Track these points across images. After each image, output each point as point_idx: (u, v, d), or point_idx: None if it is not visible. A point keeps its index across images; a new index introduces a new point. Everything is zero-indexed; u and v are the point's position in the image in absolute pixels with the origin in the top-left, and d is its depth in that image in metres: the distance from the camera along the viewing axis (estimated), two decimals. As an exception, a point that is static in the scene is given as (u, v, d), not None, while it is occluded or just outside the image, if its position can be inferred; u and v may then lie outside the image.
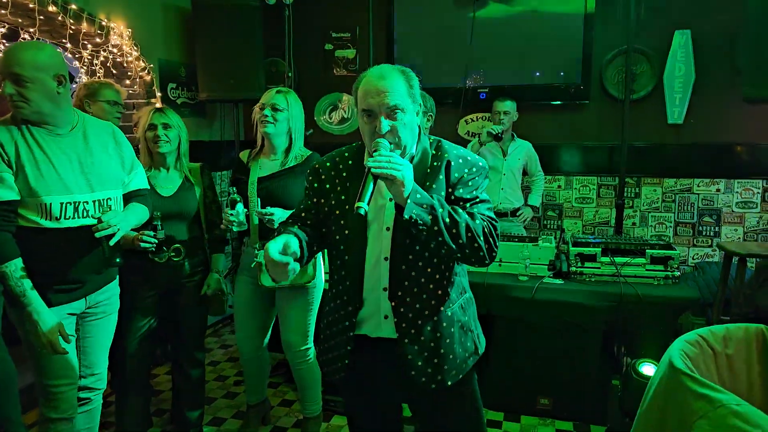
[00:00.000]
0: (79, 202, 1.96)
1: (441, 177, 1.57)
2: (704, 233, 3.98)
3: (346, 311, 1.64)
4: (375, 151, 1.46)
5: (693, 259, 4.00)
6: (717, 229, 3.94)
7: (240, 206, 2.41)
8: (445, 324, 1.60)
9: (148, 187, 2.32)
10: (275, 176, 2.52)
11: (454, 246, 1.46)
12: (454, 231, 1.45)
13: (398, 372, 1.60)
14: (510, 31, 3.99)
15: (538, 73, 4.02)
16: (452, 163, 1.58)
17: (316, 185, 1.66)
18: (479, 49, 3.99)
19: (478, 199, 1.58)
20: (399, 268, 1.55)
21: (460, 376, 1.63)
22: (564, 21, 3.87)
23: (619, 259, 2.90)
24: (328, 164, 1.67)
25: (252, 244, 2.54)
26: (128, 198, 2.18)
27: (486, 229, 1.51)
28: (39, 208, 1.88)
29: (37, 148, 1.90)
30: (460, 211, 1.49)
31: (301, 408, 2.77)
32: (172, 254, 2.49)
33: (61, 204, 1.91)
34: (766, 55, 3.01)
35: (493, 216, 1.58)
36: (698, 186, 3.94)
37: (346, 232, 1.59)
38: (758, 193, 3.83)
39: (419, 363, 1.58)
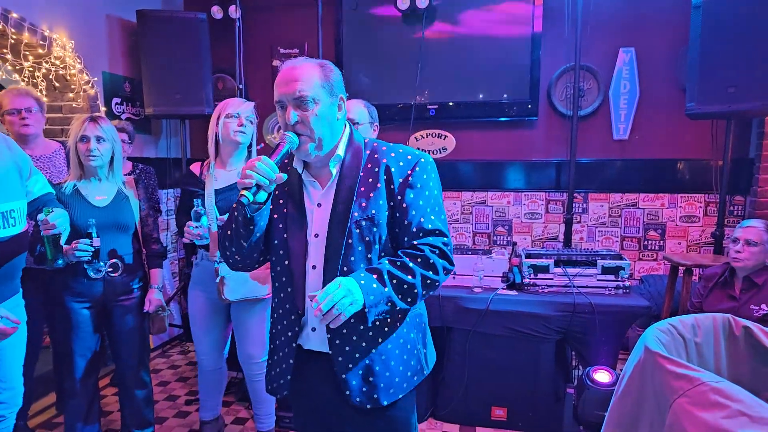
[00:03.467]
0: None
1: (380, 185, 1.47)
2: (650, 247, 4.08)
3: (288, 321, 1.56)
4: (276, 149, 1.42)
5: (639, 272, 4.09)
6: (662, 242, 4.05)
7: (204, 219, 2.40)
8: (381, 341, 1.51)
9: (54, 191, 2.25)
10: (233, 188, 2.49)
11: (418, 301, 1.46)
12: (410, 297, 1.42)
13: (334, 389, 1.53)
14: (458, 49, 4.06)
15: (485, 91, 4.08)
16: (392, 168, 1.49)
17: None
18: (428, 67, 4.04)
19: (429, 209, 1.48)
20: (330, 278, 1.44)
21: (399, 396, 1.54)
22: (512, 39, 3.97)
23: (571, 270, 2.95)
24: None
25: (211, 257, 2.51)
26: (37, 204, 2.10)
27: (439, 266, 1.44)
28: None
29: None
30: (410, 265, 1.41)
31: (255, 423, 2.75)
32: (110, 270, 2.40)
33: None
34: (709, 73, 3.15)
35: (443, 230, 1.48)
36: (644, 201, 4.05)
37: (285, 236, 1.53)
38: (701, 207, 3.97)
39: (353, 382, 1.50)
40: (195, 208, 2.40)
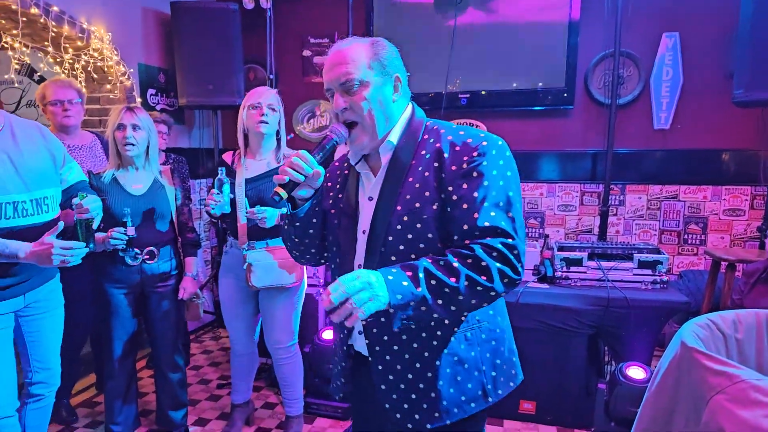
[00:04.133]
0: (18, 202, 1.92)
1: (429, 174, 1.27)
2: (690, 241, 3.93)
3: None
4: (321, 142, 1.32)
5: (678, 267, 3.95)
6: (703, 236, 3.90)
7: (227, 188, 2.40)
8: (428, 355, 1.30)
9: (86, 179, 2.31)
10: (263, 177, 2.51)
11: (465, 310, 1.23)
12: (454, 305, 1.18)
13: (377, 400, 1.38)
14: (492, 36, 3.96)
15: (519, 79, 3.98)
16: (445, 154, 1.27)
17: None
18: (460, 55, 3.96)
19: (488, 203, 1.21)
20: (374, 266, 1.30)
21: (446, 422, 1.31)
22: (547, 26, 3.85)
23: (606, 263, 2.86)
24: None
25: (240, 245, 2.52)
26: (71, 192, 2.15)
27: (494, 271, 1.16)
28: None
29: None
30: (455, 265, 1.16)
31: (284, 408, 2.79)
32: (146, 257, 2.48)
33: (2, 204, 1.87)
34: (760, 58, 3.00)
35: (506, 229, 1.20)
36: (685, 193, 3.90)
37: (338, 232, 1.42)
38: (746, 199, 3.80)
39: (393, 395, 1.33)
40: (219, 176, 2.40)
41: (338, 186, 1.46)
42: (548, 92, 3.90)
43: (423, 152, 1.31)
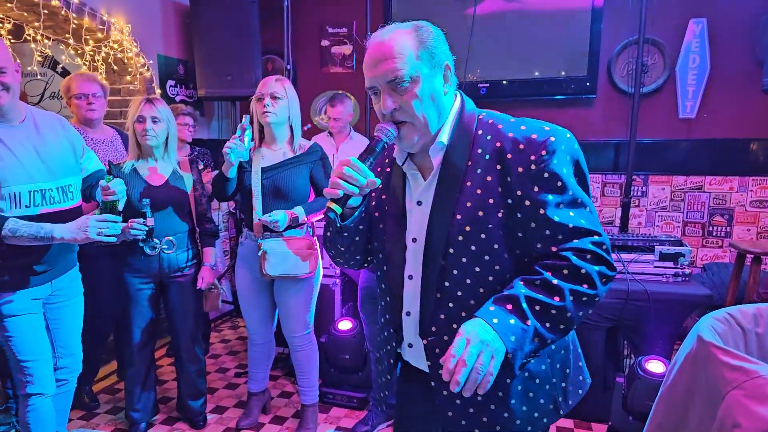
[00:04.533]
0: (45, 190, 2.02)
1: (492, 178, 1.15)
2: (714, 233, 3.83)
3: (389, 332, 1.38)
4: (369, 146, 1.19)
5: (702, 260, 3.86)
6: (729, 228, 3.80)
7: (249, 134, 2.41)
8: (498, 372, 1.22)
9: (104, 168, 2.39)
10: (279, 167, 2.52)
11: (576, 324, 1.14)
12: (564, 324, 1.10)
13: (438, 421, 1.31)
14: (511, 24, 3.90)
15: (540, 68, 3.91)
16: (508, 154, 1.14)
17: None
18: (480, 43, 3.91)
19: (566, 204, 1.12)
20: (428, 294, 1.22)
21: None
22: (569, 13, 3.77)
23: (625, 256, 2.80)
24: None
25: (254, 237, 2.55)
26: (90, 180, 2.26)
27: (594, 275, 1.09)
28: (9, 197, 1.92)
29: None
30: (554, 282, 1.08)
31: (300, 396, 2.81)
32: (165, 247, 2.52)
33: (30, 192, 1.97)
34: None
35: (590, 227, 1.12)
36: (710, 184, 3.80)
37: (384, 238, 1.32)
38: (774, 191, 3.69)
39: (462, 422, 1.26)
40: (242, 122, 2.39)
41: (380, 185, 1.33)
42: (570, 81, 3.82)
43: (479, 151, 1.18)
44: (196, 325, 2.72)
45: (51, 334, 2.18)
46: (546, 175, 1.12)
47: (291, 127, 2.54)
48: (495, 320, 1.04)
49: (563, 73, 3.84)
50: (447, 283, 1.20)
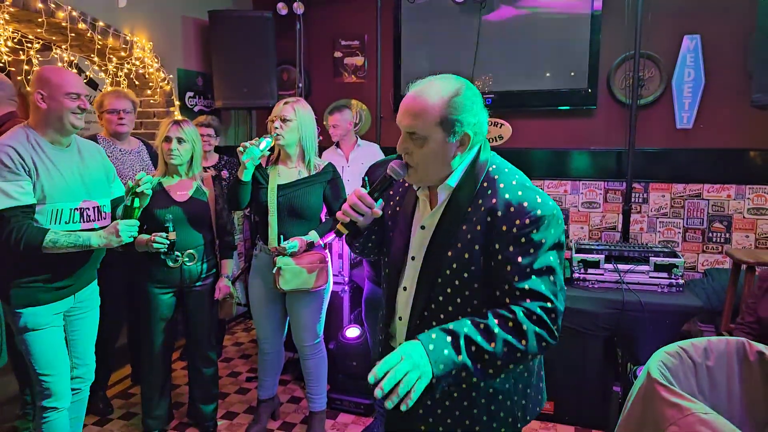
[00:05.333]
0: (83, 209, 2.19)
1: (480, 227, 1.30)
2: (714, 239, 3.96)
3: (384, 336, 1.56)
4: (381, 180, 1.41)
5: (703, 265, 3.98)
6: (728, 235, 3.92)
7: (268, 143, 2.54)
8: (465, 386, 1.38)
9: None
10: (294, 185, 2.63)
11: (503, 372, 1.28)
12: (491, 369, 1.21)
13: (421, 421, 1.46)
14: (516, 38, 4.04)
15: (543, 80, 4.05)
16: (498, 212, 1.28)
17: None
18: (486, 55, 4.05)
19: (532, 268, 1.25)
20: (419, 305, 1.39)
21: None
22: (570, 25, 3.90)
23: (622, 266, 2.93)
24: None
25: (268, 251, 2.65)
26: (116, 202, 2.42)
27: (531, 335, 1.21)
28: (50, 212, 2.09)
29: (47, 161, 2.10)
30: (495, 330, 1.20)
31: (308, 403, 2.90)
32: (186, 259, 2.63)
33: (71, 210, 2.14)
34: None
35: (547, 294, 1.24)
36: (708, 191, 3.92)
37: (391, 247, 1.51)
38: (771, 199, 3.80)
39: (430, 420, 1.43)
40: (267, 134, 2.55)
41: (398, 198, 1.54)
42: (572, 92, 3.96)
43: (479, 201, 1.33)
44: (212, 332, 2.84)
45: (68, 345, 2.28)
46: (523, 240, 1.25)
47: (302, 146, 2.64)
48: (431, 347, 1.16)
49: (565, 84, 3.98)
50: (441, 297, 1.36)
